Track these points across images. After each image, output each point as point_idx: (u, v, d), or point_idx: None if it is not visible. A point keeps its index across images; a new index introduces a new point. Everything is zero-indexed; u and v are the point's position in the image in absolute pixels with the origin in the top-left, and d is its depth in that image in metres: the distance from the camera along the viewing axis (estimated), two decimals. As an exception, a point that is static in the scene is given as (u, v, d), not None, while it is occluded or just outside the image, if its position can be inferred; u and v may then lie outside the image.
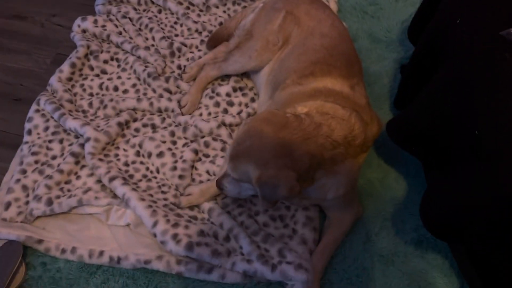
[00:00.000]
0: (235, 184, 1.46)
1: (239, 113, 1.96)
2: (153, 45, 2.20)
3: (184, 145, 1.86)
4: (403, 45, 2.26)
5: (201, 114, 1.96)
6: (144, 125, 1.92)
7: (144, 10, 2.34)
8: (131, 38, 2.21)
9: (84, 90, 2.02)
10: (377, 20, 2.39)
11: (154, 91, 2.02)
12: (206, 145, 1.85)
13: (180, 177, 1.74)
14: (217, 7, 2.37)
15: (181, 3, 2.35)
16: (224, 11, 2.37)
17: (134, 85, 2.04)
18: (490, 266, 1.37)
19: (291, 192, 1.29)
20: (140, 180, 1.75)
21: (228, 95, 2.00)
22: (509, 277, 1.28)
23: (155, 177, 1.77)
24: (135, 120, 1.93)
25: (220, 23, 2.29)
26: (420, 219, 1.50)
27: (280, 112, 1.40)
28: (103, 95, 2.02)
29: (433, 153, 1.49)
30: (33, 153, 1.78)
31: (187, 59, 2.15)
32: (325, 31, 1.81)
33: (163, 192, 1.72)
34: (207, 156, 1.84)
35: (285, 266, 1.50)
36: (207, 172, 1.79)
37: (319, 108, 1.45)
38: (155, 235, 1.55)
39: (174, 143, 1.86)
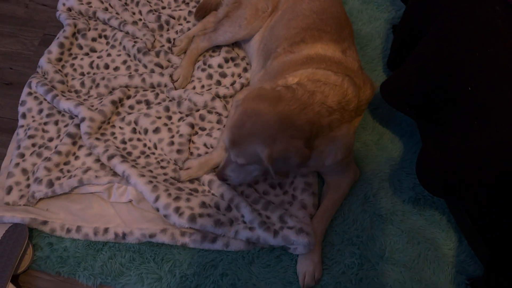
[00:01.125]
0: (239, 171, 1.47)
1: (232, 84, 1.95)
2: (140, 20, 2.16)
3: (180, 119, 1.86)
4: (394, 5, 2.22)
5: (194, 88, 1.95)
6: (138, 102, 1.91)
7: (129, -16, 2.28)
8: (117, 13, 2.16)
9: (75, 70, 2.00)
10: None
11: (145, 66, 1.99)
12: (202, 118, 1.85)
13: (178, 151, 1.75)
14: (203, -24, 2.30)
15: (166, -25, 2.29)
16: (210, -20, 2.30)
17: (124, 62, 2.02)
18: (487, 220, 1.41)
19: (303, 160, 1.31)
20: (139, 157, 1.76)
21: (220, 66, 1.98)
22: (506, 229, 1.32)
23: (153, 153, 1.78)
24: (128, 97, 1.92)
25: (207, -7, 2.24)
26: (416, 178, 1.54)
27: (269, 88, 1.40)
28: (94, 73, 2.00)
29: (427, 112, 1.49)
30: (30, 136, 1.78)
31: (176, 32, 2.12)
32: (313, -5, 1.77)
33: (162, 167, 1.73)
34: (203, 129, 1.85)
35: (287, 231, 1.53)
36: (205, 145, 1.80)
37: (310, 76, 1.45)
38: (158, 210, 1.58)
39: (170, 118, 1.86)
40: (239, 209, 1.60)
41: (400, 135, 1.84)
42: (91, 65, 2.02)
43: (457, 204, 1.52)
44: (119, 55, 2.04)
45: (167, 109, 1.86)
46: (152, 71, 1.97)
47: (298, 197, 1.66)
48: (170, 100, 1.90)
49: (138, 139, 1.81)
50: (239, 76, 1.98)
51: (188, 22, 2.16)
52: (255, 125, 1.31)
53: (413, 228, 1.63)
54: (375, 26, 2.16)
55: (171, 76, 1.95)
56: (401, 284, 1.53)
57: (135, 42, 2.03)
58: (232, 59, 2.01)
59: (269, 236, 1.53)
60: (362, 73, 1.64)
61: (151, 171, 1.70)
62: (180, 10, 2.18)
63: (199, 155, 1.77)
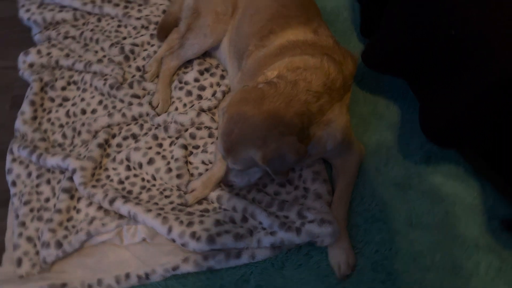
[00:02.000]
0: (242, 175, 1.45)
1: (213, 94, 1.90)
2: (104, 56, 2.10)
3: (171, 144, 1.80)
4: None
5: (176, 108, 1.90)
6: (125, 138, 1.85)
7: (83, 24, 2.22)
8: (80, 56, 2.10)
9: (53, 123, 1.94)
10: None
11: (122, 101, 1.94)
12: (193, 136, 1.80)
13: (178, 176, 1.69)
14: (155, -4, 2.26)
15: (117, 5, 2.23)
16: (164, -2, 2.26)
17: (100, 102, 1.96)
18: (503, 158, 1.37)
19: (299, 155, 1.27)
20: (140, 193, 1.70)
21: (196, 80, 1.93)
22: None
23: (154, 185, 1.73)
24: (113, 136, 1.87)
25: (164, 11, 2.19)
26: (422, 137, 1.51)
27: (251, 87, 1.36)
28: (73, 122, 1.94)
29: (416, 68, 1.45)
30: (26, 203, 1.72)
31: (144, 58, 2.07)
32: (270, -17, 1.73)
33: (166, 196, 1.68)
34: (197, 147, 1.79)
35: (309, 226, 1.48)
36: (203, 162, 1.75)
37: (288, 66, 1.41)
38: (174, 240, 1.53)
39: (160, 145, 1.80)
40: (255, 217, 1.55)
41: (393, 99, 1.80)
42: (67, 114, 1.96)
43: (469, 150, 1.47)
44: (93, 97, 1.99)
45: (155, 137, 1.81)
46: (130, 103, 1.92)
47: (310, 189, 1.61)
48: (156, 128, 1.85)
49: (135, 175, 1.75)
50: (218, 85, 1.93)
51: (152, 45, 2.10)
52: (243, 130, 1.28)
53: (432, 187, 1.59)
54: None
55: (150, 103, 1.89)
56: (437, 246, 1.48)
57: (105, 79, 1.97)
58: (207, 70, 1.96)
59: (292, 235, 1.48)
60: (339, 48, 1.60)
61: (156, 203, 1.65)
62: (142, 36, 2.13)
63: (200, 174, 1.71)
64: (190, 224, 1.54)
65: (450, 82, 1.24)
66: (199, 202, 1.65)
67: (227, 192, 1.63)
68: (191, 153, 1.78)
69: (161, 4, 2.23)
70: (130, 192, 1.71)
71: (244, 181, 1.50)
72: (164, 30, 2.06)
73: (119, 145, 1.84)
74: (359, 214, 1.57)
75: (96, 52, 2.11)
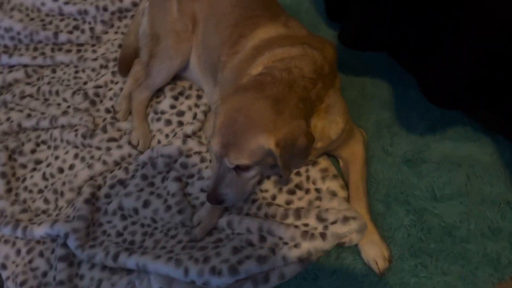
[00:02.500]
0: (236, 183, 1.29)
1: (194, 117, 1.79)
2: (69, 107, 1.95)
3: (163, 179, 1.67)
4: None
5: (159, 141, 1.78)
6: (112, 187, 1.71)
7: (38, 79, 2.08)
8: (42, 113, 1.95)
9: (31, 191, 1.78)
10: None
11: (99, 148, 1.80)
12: (184, 166, 1.68)
13: (180, 212, 1.56)
14: (106, 33, 2.13)
15: (69, 50, 2.10)
16: (116, 32, 2.14)
17: (76, 156, 1.81)
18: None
19: (310, 140, 1.21)
20: (143, 240, 1.56)
21: (172, 106, 1.82)
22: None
23: (156, 228, 1.59)
24: (99, 187, 1.72)
25: (120, 45, 2.07)
26: (420, 106, 1.48)
27: (244, 81, 1.29)
28: (52, 184, 1.78)
29: (400, 35, 1.38)
30: (22, 284, 1.55)
31: (111, 98, 1.94)
32: (225, -10, 1.65)
33: (172, 237, 1.54)
34: (191, 176, 1.67)
35: (333, 228, 1.38)
36: (202, 190, 1.62)
37: (272, 58, 1.34)
38: (194, 282, 1.39)
39: (152, 184, 1.67)
40: (273, 233, 1.43)
41: (379, 76, 1.73)
42: (44, 177, 1.80)
43: (477, 107, 1.40)
44: (67, 152, 1.84)
45: (144, 177, 1.68)
46: (109, 148, 1.78)
47: (322, 188, 1.51)
48: (143, 167, 1.72)
49: (133, 223, 1.61)
50: (197, 106, 1.82)
51: (116, 83, 1.98)
52: (249, 116, 1.17)
53: (445, 154, 1.51)
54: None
55: (130, 143, 1.77)
56: (468, 214, 1.40)
57: (76, 130, 1.83)
58: (181, 93, 1.85)
59: (318, 242, 1.37)
60: (314, 36, 1.52)
61: (164, 247, 1.51)
62: (103, 76, 2.00)
63: (202, 203, 1.58)
64: (206, 259, 1.40)
65: (443, 42, 1.17)
66: (209, 233, 1.52)
67: (236, 214, 1.51)
68: (187, 184, 1.65)
69: (114, 39, 2.11)
70: (132, 242, 1.56)
71: (237, 193, 1.33)
72: (125, 64, 1.94)
73: (107, 196, 1.70)
74: (379, 202, 1.48)
75: (59, 104, 1.97)
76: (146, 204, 1.61)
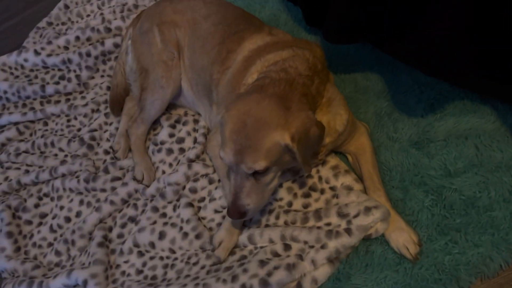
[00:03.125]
0: (256, 189, 1.25)
1: (195, 141, 1.77)
2: (66, 155, 1.93)
3: (175, 208, 1.64)
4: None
5: (164, 172, 1.75)
6: (123, 226, 1.67)
7: (30, 134, 2.06)
8: (40, 166, 1.92)
9: (40, 246, 1.72)
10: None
11: (103, 190, 1.76)
12: (193, 191, 1.65)
13: (198, 237, 1.52)
14: (93, 77, 2.14)
15: (58, 101, 2.10)
16: (102, 75, 2.15)
17: (81, 202, 1.77)
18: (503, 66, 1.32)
19: (320, 128, 1.21)
20: (165, 273, 1.51)
21: (171, 135, 1.80)
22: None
23: (176, 258, 1.54)
24: (110, 229, 1.68)
25: (108, 87, 2.07)
26: (414, 89, 1.52)
27: (242, 91, 1.30)
28: (61, 235, 1.73)
29: (376, 19, 1.41)
30: None
31: (108, 140, 1.92)
32: (204, 13, 1.69)
33: (194, 264, 1.49)
34: (202, 199, 1.64)
35: (356, 221, 1.36)
36: (216, 211, 1.59)
37: (265, 64, 1.35)
38: (226, 303, 1.33)
39: (164, 215, 1.63)
40: (297, 239, 1.40)
41: (368, 68, 1.75)
42: (52, 230, 1.75)
43: (468, 76, 1.41)
44: (71, 200, 1.79)
45: (155, 209, 1.64)
46: (114, 188, 1.75)
47: (337, 185, 1.50)
48: (152, 200, 1.68)
49: (151, 258, 1.56)
50: (195, 130, 1.81)
51: (111, 124, 1.97)
52: (258, 116, 1.16)
53: (450, 130, 1.52)
54: (270, 6, 2.10)
55: (134, 179, 1.74)
56: (486, 183, 1.39)
57: (77, 176, 1.80)
58: (177, 121, 1.85)
59: (344, 239, 1.34)
60: (300, 39, 1.56)
61: (188, 275, 1.46)
62: (96, 120, 1.99)
63: (219, 224, 1.55)
64: (234, 278, 1.36)
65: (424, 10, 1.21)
66: (232, 252, 1.48)
67: (255, 228, 1.48)
68: (200, 208, 1.62)
69: (102, 83, 2.11)
70: (154, 277, 1.51)
71: (259, 200, 1.28)
72: (116, 104, 1.94)
73: (120, 236, 1.65)
74: (396, 188, 1.46)
75: (56, 155, 1.94)
76: (161, 235, 1.56)
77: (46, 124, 2.06)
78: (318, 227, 1.41)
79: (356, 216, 1.37)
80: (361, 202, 1.39)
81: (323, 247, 1.35)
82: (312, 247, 1.38)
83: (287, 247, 1.41)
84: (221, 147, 1.23)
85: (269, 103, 1.17)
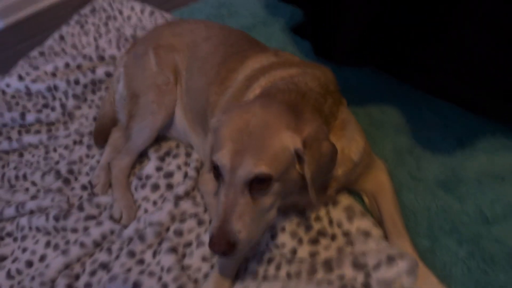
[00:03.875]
0: (250, 214, 0.95)
1: (185, 176, 1.56)
2: (39, 190, 1.69)
3: (155, 254, 1.38)
4: (276, 14, 2.12)
5: (147, 211, 1.51)
6: (93, 273, 1.39)
7: (2, 166, 1.83)
8: (8, 202, 1.68)
9: (-8, 295, 1.43)
10: (235, 15, 2.25)
11: (75, 230, 1.51)
12: (179, 233, 1.40)
13: (179, 291, 1.25)
14: (79, 108, 1.96)
15: (38, 131, 1.90)
16: (90, 106, 1.97)
17: (48, 244, 1.51)
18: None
19: (333, 147, 1.02)
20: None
21: (159, 169, 1.58)
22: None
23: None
24: (77, 277, 1.40)
25: (95, 118, 1.89)
26: (436, 123, 1.40)
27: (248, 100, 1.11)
28: (19, 282, 1.44)
29: (388, 40, 1.27)
30: None
31: (87, 174, 1.70)
32: (205, 35, 1.56)
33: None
34: (189, 244, 1.38)
35: (377, 273, 1.10)
36: (204, 259, 1.33)
37: (270, 79, 1.18)
38: None
39: (141, 262, 1.37)
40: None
41: (382, 100, 1.60)
42: (9, 276, 1.46)
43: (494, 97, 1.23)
44: (37, 241, 1.53)
45: (131, 254, 1.38)
46: (86, 228, 1.50)
47: (351, 230, 1.25)
48: (129, 243, 1.42)
49: (122, 314, 1.27)
50: (187, 164, 1.60)
51: (93, 157, 1.76)
52: (265, 117, 0.96)
53: (483, 169, 1.31)
54: (276, 39, 1.99)
55: (111, 217, 1.50)
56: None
57: (47, 213, 1.55)
58: (167, 153, 1.64)
59: (362, 296, 1.07)
60: (308, 62, 1.39)
61: None
62: (76, 152, 1.78)
63: (207, 275, 1.28)
64: None
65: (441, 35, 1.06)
66: (223, 310, 1.20)
67: (250, 280, 1.21)
68: (184, 254, 1.36)
69: (88, 113, 1.93)
70: None
71: (252, 229, 0.96)
72: (102, 134, 1.74)
73: (88, 285, 1.37)
74: (423, 236, 1.22)
75: (27, 189, 1.71)
76: (136, 286, 1.29)
77: (21, 155, 1.85)
78: (329, 282, 1.13)
79: (376, 267, 1.11)
80: (382, 250, 1.13)
81: (335, 305, 1.08)
82: (322, 304, 1.10)
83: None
84: (215, 151, 0.99)
85: (277, 108, 0.99)
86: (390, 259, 1.10)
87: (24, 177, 1.73)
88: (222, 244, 0.94)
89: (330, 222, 1.29)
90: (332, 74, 1.35)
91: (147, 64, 1.58)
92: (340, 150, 1.11)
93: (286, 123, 0.96)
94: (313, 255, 1.24)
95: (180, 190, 1.49)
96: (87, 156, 1.76)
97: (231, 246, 0.94)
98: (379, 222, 1.25)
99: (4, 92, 2.00)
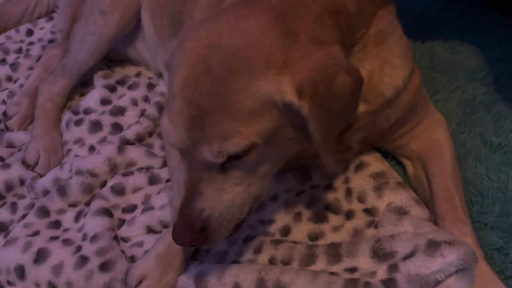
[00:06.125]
0: (222, 186, 0.95)
1: (142, 114, 1.58)
2: None
3: (78, 215, 1.38)
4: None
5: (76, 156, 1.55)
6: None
7: None
8: None
9: None
10: None
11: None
12: (118, 191, 1.43)
13: (103, 267, 1.22)
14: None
15: None
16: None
17: None
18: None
19: (354, 78, 0.93)
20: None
21: (105, 102, 1.63)
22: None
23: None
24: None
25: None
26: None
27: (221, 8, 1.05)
28: None
29: None
30: None
31: (4, 102, 1.75)
32: None
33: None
34: (132, 209, 1.41)
35: (408, 265, 1.03)
36: (150, 230, 1.34)
37: None
38: None
39: (57, 224, 1.38)
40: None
41: (458, 35, 1.66)
42: None
43: None
44: None
45: (43, 212, 1.40)
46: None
47: (378, 206, 1.23)
48: (45, 196, 1.45)
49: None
50: (146, 99, 1.63)
51: (16, 81, 1.82)
52: (235, 49, 0.89)
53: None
54: None
55: (24, 161, 1.54)
56: None
57: None
58: (120, 82, 1.69)
59: None
60: None
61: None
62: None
63: (146, 252, 1.25)
64: None
65: None
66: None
67: (213, 262, 1.17)
68: (123, 222, 1.36)
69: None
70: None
71: (227, 205, 0.97)
72: None
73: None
74: (492, 228, 1.19)
75: None
76: (41, 256, 1.27)
77: None
78: (332, 273, 1.08)
79: (408, 256, 1.03)
80: (423, 233, 1.05)
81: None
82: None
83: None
84: (163, 113, 0.98)
85: (256, 24, 0.91)
86: (433, 245, 1.02)
87: None
88: (188, 232, 0.96)
89: (348, 192, 1.29)
90: None
91: None
92: (368, 75, 1.06)
93: (267, 56, 0.88)
94: (314, 237, 1.23)
95: (130, 132, 1.52)
96: (10, 78, 1.82)
97: (200, 232, 0.97)
98: (427, 202, 1.23)
99: None
